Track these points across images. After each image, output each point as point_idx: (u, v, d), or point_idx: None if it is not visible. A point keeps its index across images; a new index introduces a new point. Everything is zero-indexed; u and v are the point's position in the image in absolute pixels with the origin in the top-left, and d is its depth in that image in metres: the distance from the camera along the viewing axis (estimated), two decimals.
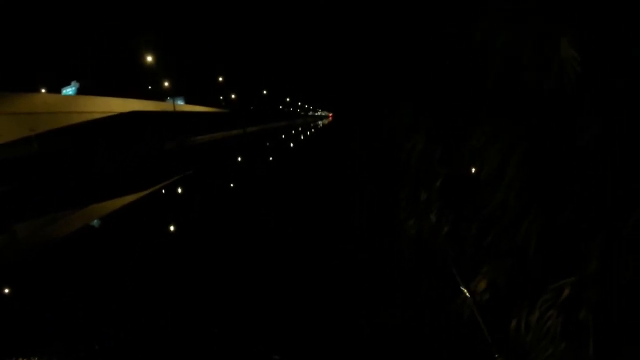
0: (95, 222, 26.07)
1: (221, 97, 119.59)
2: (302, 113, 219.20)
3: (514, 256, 6.23)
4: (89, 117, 58.33)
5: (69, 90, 66.17)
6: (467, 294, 7.38)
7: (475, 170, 8.57)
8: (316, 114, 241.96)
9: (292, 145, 75.35)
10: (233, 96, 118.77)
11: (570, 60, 5.65)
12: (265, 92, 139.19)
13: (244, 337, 9.02)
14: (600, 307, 4.47)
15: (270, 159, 53.55)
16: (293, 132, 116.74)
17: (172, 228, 21.39)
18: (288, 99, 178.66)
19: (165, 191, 35.10)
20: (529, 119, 6.30)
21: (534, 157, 6.15)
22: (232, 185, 34.80)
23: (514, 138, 6.44)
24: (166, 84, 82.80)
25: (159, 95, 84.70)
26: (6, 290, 15.29)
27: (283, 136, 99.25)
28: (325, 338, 8.48)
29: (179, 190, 35.77)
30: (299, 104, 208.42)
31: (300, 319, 9.36)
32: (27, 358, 8.87)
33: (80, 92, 65.98)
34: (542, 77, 6.02)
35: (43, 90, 60.37)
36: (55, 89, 64.34)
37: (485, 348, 6.47)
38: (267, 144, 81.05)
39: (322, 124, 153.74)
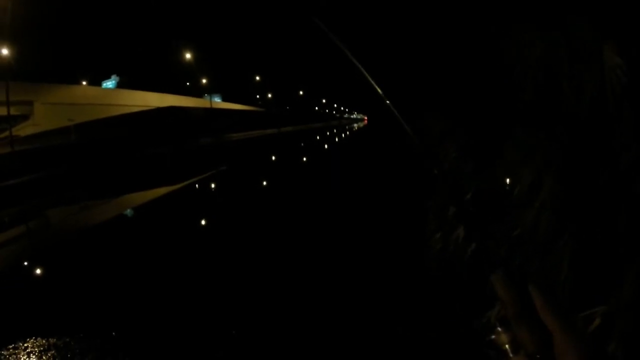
0: (129, 212, 26.51)
1: (257, 96, 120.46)
2: (338, 115, 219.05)
3: (543, 279, 5.96)
4: (127, 110, 59.42)
5: (108, 84, 67.55)
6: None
7: (507, 185, 8.30)
8: (352, 116, 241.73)
9: (326, 146, 75.31)
10: (269, 95, 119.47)
11: (615, 68, 5.32)
12: (301, 92, 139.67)
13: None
14: (632, 339, 4.20)
15: (304, 159, 53.60)
16: (328, 133, 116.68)
17: (201, 222, 21.54)
18: (324, 100, 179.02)
19: (197, 185, 35.46)
20: (566, 134, 6.02)
21: (570, 176, 5.86)
22: (263, 183, 34.91)
23: (548, 155, 6.17)
24: (204, 80, 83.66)
25: (197, 91, 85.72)
26: (35, 271, 15.65)
27: (317, 137, 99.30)
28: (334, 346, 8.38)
29: (212, 185, 36.12)
30: (335, 105, 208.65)
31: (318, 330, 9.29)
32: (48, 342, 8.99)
33: (119, 85, 67.26)
34: (582, 89, 5.72)
35: (84, 83, 61.66)
36: (96, 82, 65.71)
37: None
38: (302, 144, 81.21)
39: (357, 127, 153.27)
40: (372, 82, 1.77)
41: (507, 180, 8.11)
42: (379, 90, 1.77)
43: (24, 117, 45.15)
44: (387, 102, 1.76)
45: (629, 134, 5.26)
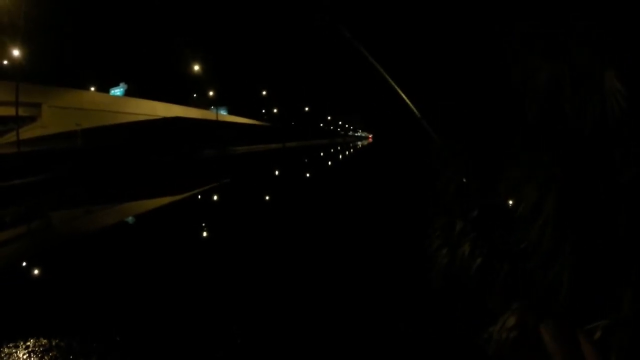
0: (130, 220, 26.58)
1: (263, 111, 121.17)
2: (342, 132, 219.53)
3: (545, 293, 6.02)
4: (134, 118, 59.83)
5: (116, 91, 68.13)
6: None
7: (511, 204, 8.38)
8: (356, 134, 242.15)
9: (330, 163, 75.52)
10: (275, 110, 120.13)
11: (615, 93, 5.50)
12: (307, 108, 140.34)
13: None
14: (631, 353, 4.26)
15: (307, 175, 53.73)
16: (332, 150, 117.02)
17: (201, 233, 21.58)
18: (329, 117, 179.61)
19: (200, 197, 35.53)
20: (568, 154, 6.12)
21: (571, 195, 5.96)
22: (266, 197, 35.01)
23: (551, 174, 6.26)
24: (211, 93, 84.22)
25: (203, 103, 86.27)
26: (34, 272, 15.70)
27: (321, 154, 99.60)
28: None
29: (214, 197, 36.18)
30: (340, 123, 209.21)
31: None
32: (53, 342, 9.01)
33: (127, 93, 67.80)
34: (584, 112, 5.84)
35: (92, 89, 62.17)
36: (104, 88, 66.28)
37: None
38: (305, 160, 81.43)
39: (362, 145, 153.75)
40: (407, 101, 1.86)
41: (510, 201, 8.22)
42: (414, 109, 1.85)
43: (32, 119, 45.45)
44: (422, 120, 1.85)
45: (628, 154, 5.39)
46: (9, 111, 38.29)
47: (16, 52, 37.52)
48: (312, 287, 12.33)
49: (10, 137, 38.78)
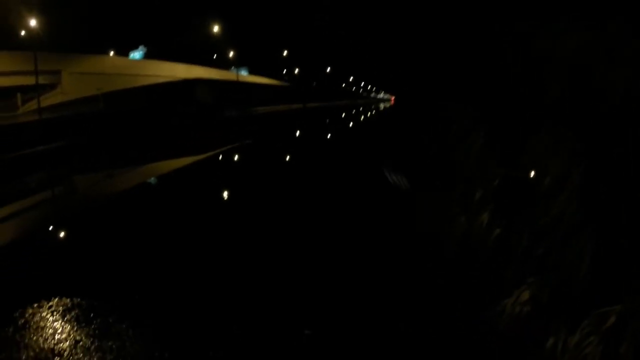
0: (152, 180, 26.90)
1: (284, 71, 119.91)
2: (365, 94, 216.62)
3: (562, 272, 5.94)
4: (154, 80, 59.78)
5: (136, 54, 67.74)
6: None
7: (533, 176, 8.22)
8: (378, 96, 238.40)
9: (351, 125, 74.98)
10: (296, 71, 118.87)
11: None
12: (328, 69, 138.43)
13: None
14: None
15: (328, 136, 53.47)
16: (354, 111, 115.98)
17: (223, 191, 21.78)
18: (351, 78, 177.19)
19: (221, 157, 35.75)
20: (594, 129, 5.92)
21: (599, 171, 5.78)
22: (287, 158, 35.02)
23: (576, 149, 6.08)
24: (231, 53, 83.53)
25: (223, 64, 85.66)
26: (59, 235, 16.07)
27: (343, 115, 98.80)
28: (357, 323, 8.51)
29: (235, 158, 36.37)
30: (362, 84, 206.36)
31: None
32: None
33: (146, 56, 67.46)
34: (612, 85, 5.62)
35: (111, 53, 62.03)
36: (123, 52, 66.03)
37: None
38: (327, 120, 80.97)
39: (384, 107, 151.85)
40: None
41: (532, 172, 8.06)
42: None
43: (52, 87, 45.66)
44: None
45: None
46: (30, 80, 38.49)
47: (33, 22, 37.64)
48: None
49: (32, 105, 39.01)
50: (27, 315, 9.05)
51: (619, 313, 4.47)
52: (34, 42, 38.12)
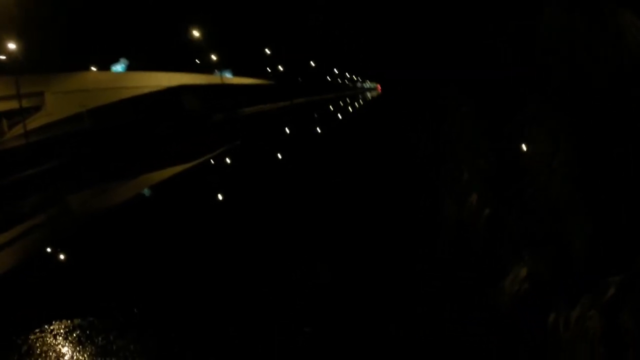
0: (146, 192, 26.81)
1: (268, 70, 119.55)
2: (351, 85, 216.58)
3: (557, 245, 5.89)
4: (139, 92, 59.49)
5: (118, 68, 67.39)
6: None
7: (520, 150, 8.18)
8: (365, 85, 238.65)
9: (340, 117, 74.95)
10: (280, 68, 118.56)
11: (631, 27, 5.21)
12: (312, 63, 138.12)
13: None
14: None
15: (318, 130, 53.42)
16: (341, 103, 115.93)
17: (218, 195, 21.70)
18: (336, 71, 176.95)
19: (213, 161, 35.69)
20: (584, 100, 5.87)
21: (587, 140, 5.73)
22: (278, 156, 34.97)
23: (565, 120, 6.03)
24: (214, 57, 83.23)
25: (207, 68, 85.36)
26: (59, 258, 16.00)
27: (331, 107, 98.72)
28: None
29: (225, 161, 36.33)
30: (347, 75, 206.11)
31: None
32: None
33: (129, 68, 67.13)
34: (600, 59, 5.56)
35: (93, 69, 61.70)
36: (105, 66, 65.69)
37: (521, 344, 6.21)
38: (315, 115, 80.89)
39: (371, 96, 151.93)
40: None
41: (519, 146, 8.02)
42: None
43: (36, 109, 45.39)
44: None
45: None
46: (14, 105, 38.36)
47: (12, 46, 37.51)
48: None
49: (19, 129, 38.81)
50: (30, 341, 9.02)
51: (619, 284, 4.43)
52: (13, 66, 37.91)
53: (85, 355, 8.34)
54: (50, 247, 17.39)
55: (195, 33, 71.72)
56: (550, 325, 5.26)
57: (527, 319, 6.03)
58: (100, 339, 8.79)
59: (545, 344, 5.36)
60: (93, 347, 8.55)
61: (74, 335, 9.07)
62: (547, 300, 5.62)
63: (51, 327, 9.42)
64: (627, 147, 5.12)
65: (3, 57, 43.67)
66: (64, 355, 8.52)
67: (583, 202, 5.59)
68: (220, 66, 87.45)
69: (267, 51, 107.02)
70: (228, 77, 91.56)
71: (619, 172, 5.18)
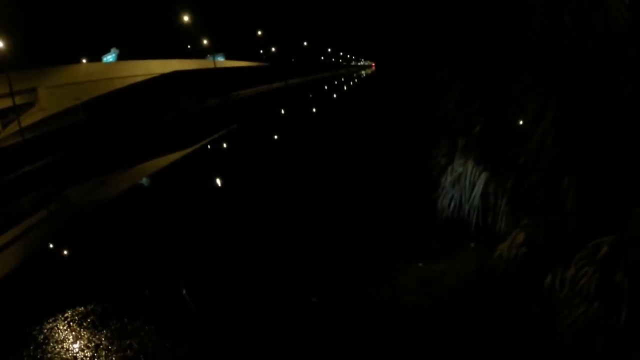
0: (144, 181, 26.84)
1: (261, 51, 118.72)
2: (345, 63, 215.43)
3: (552, 209, 5.94)
4: (132, 80, 59.13)
5: (109, 58, 66.83)
6: None
7: (512, 121, 8.21)
8: (359, 63, 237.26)
9: (335, 96, 74.70)
10: (273, 49, 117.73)
11: (618, 3, 5.22)
12: (305, 43, 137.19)
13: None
14: (637, 269, 4.19)
15: (313, 110, 53.27)
16: (336, 82, 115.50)
17: (216, 180, 21.76)
18: (329, 50, 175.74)
19: (209, 146, 35.70)
20: (569, 69, 5.86)
21: (573, 105, 5.74)
22: (275, 138, 34.96)
23: (551, 87, 6.03)
24: (205, 41, 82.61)
25: (199, 53, 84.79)
26: (64, 252, 16.11)
27: (325, 87, 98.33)
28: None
29: (224, 145, 36.34)
30: (341, 54, 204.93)
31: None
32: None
33: (120, 58, 66.60)
34: (585, 25, 5.54)
35: (84, 61, 61.25)
36: (96, 57, 65.12)
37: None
38: (310, 95, 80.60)
39: (365, 74, 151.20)
40: None
41: (511, 116, 8.04)
42: None
43: (30, 105, 45.15)
44: None
45: (631, 67, 5.15)
46: (6, 103, 38.22)
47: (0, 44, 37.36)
48: None
49: (14, 127, 38.61)
50: (45, 330, 9.22)
51: (611, 243, 4.48)
52: (3, 64, 37.69)
53: (102, 338, 8.54)
54: (53, 242, 17.43)
55: (185, 18, 71.08)
56: (547, 286, 5.33)
57: (525, 281, 6.10)
58: (114, 321, 9.04)
59: (542, 304, 5.44)
60: (108, 330, 8.78)
61: (88, 320, 9.29)
62: (543, 262, 5.69)
63: (65, 315, 9.64)
64: (616, 111, 5.14)
65: None
66: (80, 339, 8.69)
67: (574, 166, 5.63)
68: (212, 50, 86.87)
69: (259, 33, 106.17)
70: (220, 61, 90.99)
71: (607, 134, 5.21)
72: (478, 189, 8.31)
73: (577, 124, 5.49)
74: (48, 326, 9.41)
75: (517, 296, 6.31)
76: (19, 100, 39.46)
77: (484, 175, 8.39)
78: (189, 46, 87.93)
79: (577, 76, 5.86)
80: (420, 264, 8.99)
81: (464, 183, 8.84)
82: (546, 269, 5.49)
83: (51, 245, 17.16)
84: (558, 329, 4.86)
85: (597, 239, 4.73)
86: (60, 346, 8.66)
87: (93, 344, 8.50)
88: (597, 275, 4.38)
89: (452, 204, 9.20)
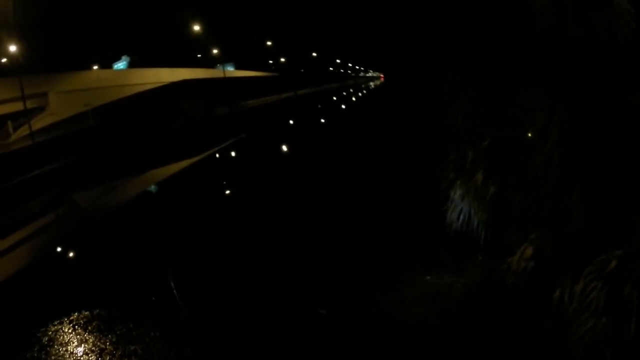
0: (153, 188, 26.95)
1: (270, 62, 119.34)
2: (353, 74, 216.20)
3: (560, 223, 5.94)
4: (141, 88, 59.61)
5: (120, 65, 67.47)
6: None
7: (521, 131, 8.21)
8: (367, 74, 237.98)
9: (343, 107, 74.85)
10: (282, 60, 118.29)
11: (624, 14, 5.25)
12: (315, 54, 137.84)
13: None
14: None
15: (322, 121, 53.39)
16: (344, 93, 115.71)
17: (222, 191, 21.81)
18: (338, 61, 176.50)
19: (218, 155, 35.82)
20: (575, 78, 5.88)
21: (580, 116, 5.76)
22: (283, 148, 35.05)
23: (558, 98, 6.05)
24: (215, 51, 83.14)
25: (209, 62, 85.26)
26: (70, 255, 16.18)
27: (334, 98, 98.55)
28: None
29: (232, 154, 36.48)
30: (350, 65, 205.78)
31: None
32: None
33: (130, 65, 67.17)
34: (591, 34, 5.57)
35: (95, 67, 61.77)
36: (107, 65, 65.71)
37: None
38: (319, 105, 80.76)
39: (374, 85, 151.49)
40: None
41: (520, 127, 8.05)
42: None
43: (41, 109, 45.62)
44: None
45: (637, 73, 5.17)
46: (18, 106, 38.63)
47: (12, 48, 37.76)
48: None
49: (24, 130, 38.98)
50: (50, 333, 9.22)
51: (620, 257, 4.48)
52: (15, 68, 38.08)
53: (107, 343, 8.53)
54: (61, 246, 17.51)
55: (196, 27, 71.61)
56: (555, 300, 5.32)
57: (533, 295, 6.09)
58: (119, 326, 9.03)
59: (551, 317, 5.43)
60: (113, 335, 8.77)
61: (94, 324, 9.30)
62: (552, 277, 5.69)
63: (70, 318, 9.63)
64: (623, 117, 5.16)
65: (4, 60, 43.89)
66: (85, 343, 8.70)
67: (581, 178, 5.63)
68: (222, 60, 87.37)
69: (268, 43, 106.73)
70: (230, 70, 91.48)
71: (614, 144, 5.21)
72: (487, 202, 8.31)
73: (585, 134, 5.49)
74: (53, 329, 9.43)
75: (525, 310, 6.30)
76: (30, 104, 39.85)
77: (492, 189, 8.40)
78: (199, 55, 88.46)
79: (582, 84, 5.87)
80: (428, 277, 8.98)
81: (473, 196, 8.84)
82: (554, 282, 5.49)
83: (58, 249, 17.25)
84: (567, 342, 4.85)
85: (606, 251, 4.73)
86: (64, 349, 8.66)
87: (97, 347, 8.51)
88: (605, 290, 4.38)
89: (461, 217, 9.19)
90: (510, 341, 6.12)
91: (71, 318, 9.70)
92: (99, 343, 8.66)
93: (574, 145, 5.65)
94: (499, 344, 6.21)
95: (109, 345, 8.51)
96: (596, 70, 5.63)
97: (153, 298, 10.44)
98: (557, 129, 5.81)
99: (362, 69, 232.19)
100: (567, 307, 5.03)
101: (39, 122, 43.51)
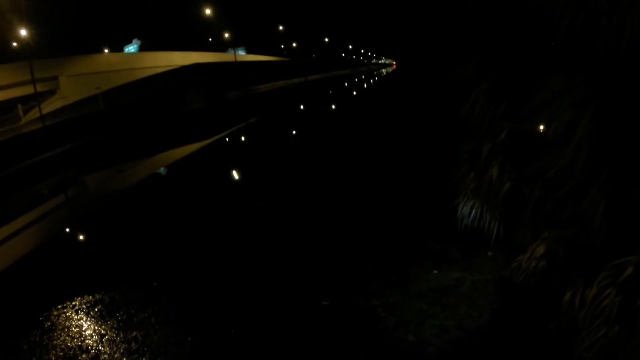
0: (162, 171, 26.97)
1: (282, 46, 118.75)
2: (366, 61, 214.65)
3: (577, 224, 5.75)
4: (152, 72, 59.54)
5: (131, 48, 67.39)
6: None
7: (542, 128, 7.98)
8: (380, 62, 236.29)
9: (355, 93, 74.45)
10: (294, 45, 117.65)
11: None
12: (327, 40, 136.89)
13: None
14: None
15: (333, 107, 53.14)
16: (356, 80, 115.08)
17: (232, 173, 21.77)
18: (351, 47, 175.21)
19: (229, 139, 35.80)
20: (604, 74, 5.64)
21: (609, 117, 5.52)
22: (293, 132, 34.97)
23: (585, 94, 5.81)
24: (227, 35, 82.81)
25: (220, 46, 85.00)
26: (80, 237, 16.22)
27: (346, 84, 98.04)
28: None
29: (243, 138, 36.45)
30: (362, 51, 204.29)
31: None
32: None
33: (142, 49, 67.05)
34: (621, 28, 5.34)
35: (106, 51, 61.78)
36: (118, 48, 65.66)
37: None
38: (330, 92, 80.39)
39: (386, 72, 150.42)
40: None
41: (541, 123, 7.82)
42: None
43: (52, 93, 45.76)
44: None
45: None
46: (28, 90, 38.73)
47: (23, 32, 37.78)
48: None
49: (34, 114, 39.09)
50: (53, 317, 9.25)
51: (637, 264, 4.30)
52: (26, 52, 38.14)
53: (108, 329, 8.54)
54: (70, 228, 17.55)
55: (208, 11, 71.28)
56: (565, 303, 5.17)
57: (543, 296, 5.95)
58: (121, 312, 9.08)
59: (560, 321, 5.28)
60: (115, 321, 8.80)
61: (96, 310, 9.31)
62: (564, 278, 5.53)
63: (73, 303, 9.67)
64: None
65: (15, 44, 43.98)
66: (86, 329, 8.71)
67: (603, 180, 5.43)
68: (234, 44, 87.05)
69: (281, 28, 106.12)
70: (242, 54, 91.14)
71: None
72: (501, 198, 8.12)
73: (614, 134, 5.27)
74: (56, 313, 9.43)
75: (534, 311, 6.15)
76: (41, 87, 39.97)
77: (508, 185, 8.20)
78: (210, 39, 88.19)
79: (612, 80, 5.63)
80: (435, 272, 8.85)
81: (486, 191, 8.64)
82: (565, 284, 5.33)
83: (67, 230, 17.31)
84: (576, 349, 4.71)
85: (622, 256, 4.56)
86: (66, 333, 8.66)
87: (99, 334, 8.49)
88: (620, 298, 4.21)
89: (473, 213, 9.01)
90: (517, 345, 6.00)
91: (74, 303, 9.71)
92: (100, 329, 8.64)
93: (602, 145, 5.42)
94: (505, 347, 6.09)
95: (110, 332, 8.48)
96: (625, 64, 5.39)
97: (156, 284, 10.37)
98: (585, 128, 5.57)
99: (374, 55, 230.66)
100: (578, 311, 4.88)
101: (50, 106, 43.66)
